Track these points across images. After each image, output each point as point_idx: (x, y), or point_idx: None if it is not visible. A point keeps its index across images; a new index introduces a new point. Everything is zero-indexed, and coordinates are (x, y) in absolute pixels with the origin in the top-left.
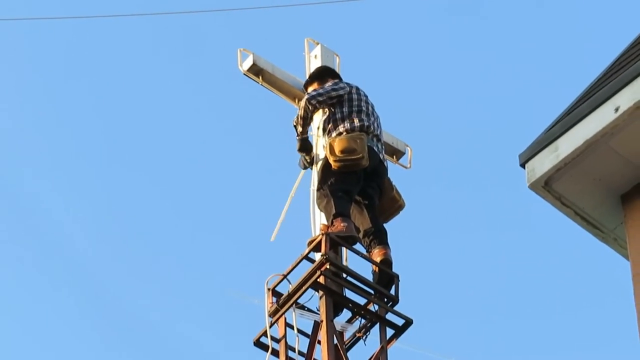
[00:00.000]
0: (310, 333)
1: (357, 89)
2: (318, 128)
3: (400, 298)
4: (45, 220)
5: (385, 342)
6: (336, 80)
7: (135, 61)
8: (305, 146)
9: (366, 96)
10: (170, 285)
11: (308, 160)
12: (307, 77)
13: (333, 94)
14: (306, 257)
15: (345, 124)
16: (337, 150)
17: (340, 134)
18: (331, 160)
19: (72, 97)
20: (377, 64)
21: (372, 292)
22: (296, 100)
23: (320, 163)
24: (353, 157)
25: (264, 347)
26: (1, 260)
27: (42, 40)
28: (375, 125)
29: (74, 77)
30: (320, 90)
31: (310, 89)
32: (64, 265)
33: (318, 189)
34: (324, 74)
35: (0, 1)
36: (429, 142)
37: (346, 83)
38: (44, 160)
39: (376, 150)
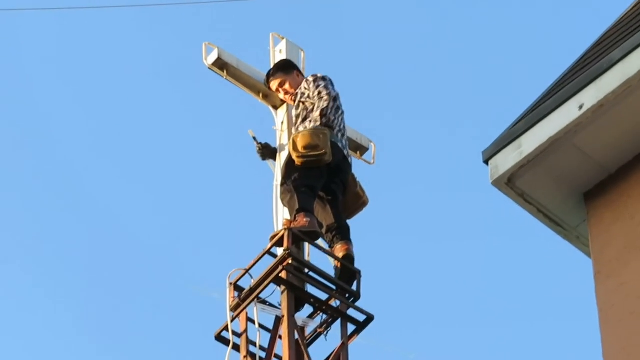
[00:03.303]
0: (271, 328)
1: (331, 82)
2: (282, 123)
3: (361, 294)
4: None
5: (346, 338)
6: (325, 78)
7: (100, 52)
8: None
9: (337, 91)
10: (130, 280)
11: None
12: (271, 68)
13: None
14: (268, 252)
15: (311, 120)
16: (299, 146)
17: (305, 128)
18: (294, 155)
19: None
20: (341, 59)
21: (333, 287)
22: (260, 95)
23: (284, 158)
24: (316, 153)
25: (225, 342)
26: None
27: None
28: (340, 119)
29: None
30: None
31: (274, 82)
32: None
33: (282, 184)
34: (289, 66)
35: None
36: (392, 137)
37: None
38: None
39: (340, 145)
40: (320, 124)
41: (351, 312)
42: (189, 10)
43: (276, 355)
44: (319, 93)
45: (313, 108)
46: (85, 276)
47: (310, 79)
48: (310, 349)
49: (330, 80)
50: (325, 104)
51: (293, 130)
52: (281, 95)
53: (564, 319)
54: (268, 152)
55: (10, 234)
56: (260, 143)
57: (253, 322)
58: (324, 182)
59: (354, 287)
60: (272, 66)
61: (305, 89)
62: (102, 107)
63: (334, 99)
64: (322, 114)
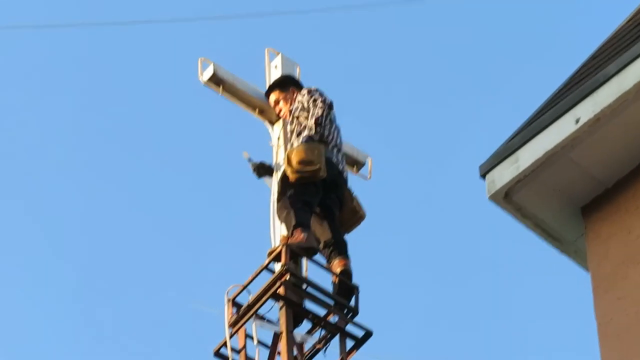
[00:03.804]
0: (270, 344)
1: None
2: (278, 138)
3: (360, 309)
4: None
5: (345, 354)
6: (317, 91)
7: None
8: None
9: None
10: (129, 296)
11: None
12: (269, 84)
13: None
14: (266, 268)
15: (305, 135)
16: (294, 162)
17: (299, 144)
18: (289, 171)
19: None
20: (337, 75)
21: (332, 303)
22: (256, 111)
23: (280, 174)
24: (310, 169)
25: (224, 358)
26: None
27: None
28: (336, 135)
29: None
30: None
31: (271, 98)
32: None
33: (278, 200)
34: (287, 82)
35: None
36: (389, 152)
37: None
38: None
39: (335, 161)
40: (315, 132)
41: (350, 327)
42: (184, 27)
43: None
44: (314, 101)
45: (308, 120)
46: (83, 293)
47: (304, 91)
48: None
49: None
50: (320, 112)
51: (288, 146)
52: (278, 111)
53: (563, 333)
54: (263, 170)
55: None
56: (255, 163)
57: (252, 338)
58: (320, 197)
59: (352, 303)
60: (267, 81)
61: (299, 102)
62: (98, 123)
63: (329, 106)
64: (317, 123)
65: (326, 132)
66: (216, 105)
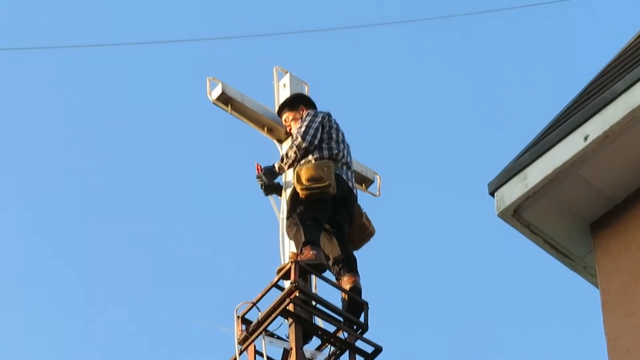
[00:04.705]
0: None
1: (329, 116)
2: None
3: (369, 325)
4: None
5: None
6: (309, 111)
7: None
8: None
9: (337, 124)
10: (138, 313)
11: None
12: (279, 103)
13: (317, 126)
14: (275, 285)
15: (315, 152)
16: (303, 179)
17: (309, 161)
18: (298, 188)
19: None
20: (346, 93)
21: (341, 319)
22: (265, 129)
23: (289, 191)
24: (320, 185)
25: None
26: None
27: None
28: (345, 153)
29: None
30: (304, 128)
31: (282, 118)
32: None
33: (287, 217)
34: (296, 101)
35: None
36: (398, 170)
37: (319, 111)
38: None
39: (345, 178)
40: (286, 162)
41: (359, 343)
42: (193, 46)
43: None
44: (299, 129)
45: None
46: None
47: (304, 114)
48: None
49: (326, 116)
50: (291, 152)
51: (296, 164)
52: (289, 129)
53: (573, 349)
54: (272, 188)
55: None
56: (264, 181)
57: (261, 355)
58: (330, 214)
59: (362, 319)
60: (276, 100)
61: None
62: (109, 141)
63: (306, 150)
64: (286, 166)
65: (336, 150)
66: (225, 124)
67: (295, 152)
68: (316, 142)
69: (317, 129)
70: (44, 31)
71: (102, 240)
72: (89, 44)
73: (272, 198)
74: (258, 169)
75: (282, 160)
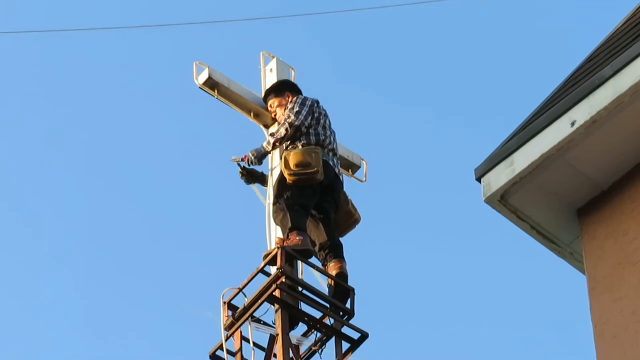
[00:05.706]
0: (266, 346)
1: (318, 103)
2: None
3: (355, 311)
4: None
5: (340, 356)
6: (299, 96)
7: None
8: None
9: (325, 110)
10: (125, 298)
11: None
12: (265, 89)
13: (308, 109)
14: (262, 271)
15: (302, 138)
16: (291, 164)
17: (296, 147)
18: (286, 173)
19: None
20: (332, 78)
21: (327, 305)
22: (251, 114)
23: (276, 176)
24: (307, 171)
25: None
26: None
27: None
28: (332, 139)
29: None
30: (298, 108)
31: (267, 103)
32: None
33: (274, 203)
34: (282, 87)
35: None
36: (384, 155)
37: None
38: None
39: (332, 164)
40: (271, 144)
41: (345, 329)
42: (179, 31)
43: None
44: (287, 115)
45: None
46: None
47: (294, 99)
48: None
49: (315, 102)
50: (283, 132)
51: (282, 149)
52: (274, 115)
53: (559, 335)
54: (252, 177)
55: None
56: (244, 167)
57: (247, 340)
58: (316, 200)
59: (348, 305)
60: (262, 85)
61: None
62: (95, 125)
63: (297, 128)
64: (275, 140)
65: (322, 136)
66: (211, 109)
67: (286, 129)
68: (307, 123)
69: (308, 112)
70: (28, 16)
71: (82, 223)
72: (74, 28)
73: (254, 186)
74: (243, 159)
75: (270, 138)
